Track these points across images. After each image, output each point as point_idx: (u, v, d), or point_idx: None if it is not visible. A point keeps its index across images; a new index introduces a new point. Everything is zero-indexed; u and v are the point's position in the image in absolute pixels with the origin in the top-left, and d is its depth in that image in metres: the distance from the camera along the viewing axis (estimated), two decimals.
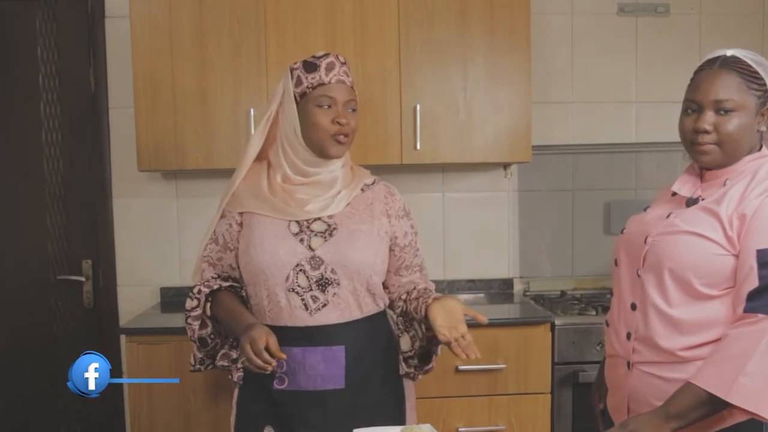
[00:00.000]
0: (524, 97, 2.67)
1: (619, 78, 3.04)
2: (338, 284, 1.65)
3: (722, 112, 1.50)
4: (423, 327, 1.76)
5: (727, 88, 1.50)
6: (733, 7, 3.05)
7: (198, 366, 1.81)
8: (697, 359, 1.46)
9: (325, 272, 1.65)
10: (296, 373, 1.64)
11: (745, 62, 1.51)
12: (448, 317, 1.61)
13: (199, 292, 1.72)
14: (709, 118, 1.51)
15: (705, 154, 1.53)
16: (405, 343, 1.80)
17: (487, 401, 2.47)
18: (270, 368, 1.51)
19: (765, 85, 1.51)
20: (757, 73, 1.50)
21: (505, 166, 3.00)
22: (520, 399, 2.48)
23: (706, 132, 1.51)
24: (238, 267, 1.74)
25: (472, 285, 3.04)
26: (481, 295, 2.98)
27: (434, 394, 2.45)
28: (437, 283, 2.98)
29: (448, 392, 2.46)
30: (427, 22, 2.62)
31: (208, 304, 1.73)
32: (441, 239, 3.03)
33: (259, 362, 1.50)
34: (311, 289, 1.64)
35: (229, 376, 1.78)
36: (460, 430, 2.45)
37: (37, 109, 2.87)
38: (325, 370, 1.64)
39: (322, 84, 1.68)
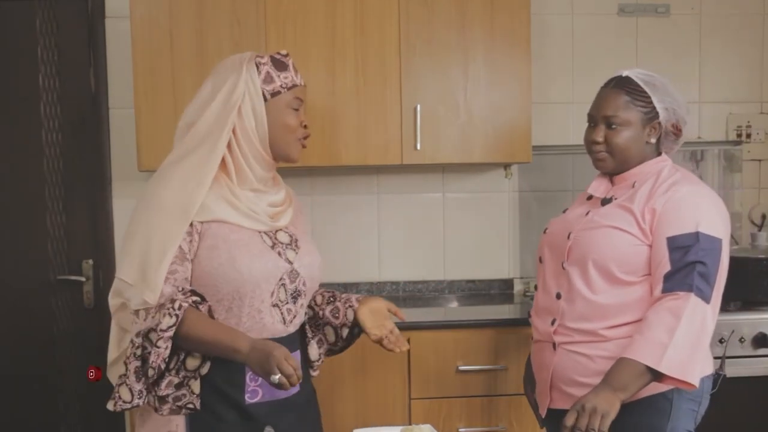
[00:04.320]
0: (524, 97, 2.67)
1: None
2: (305, 295, 1.69)
3: (612, 126, 1.75)
4: (342, 331, 1.80)
5: (615, 106, 1.74)
6: (733, 8, 3.05)
7: (137, 401, 1.53)
8: (616, 338, 1.68)
9: (299, 285, 1.66)
10: None
11: (635, 82, 1.75)
12: (376, 317, 1.78)
13: (179, 307, 1.49)
14: (600, 131, 1.77)
15: (599, 161, 1.80)
16: (313, 352, 1.80)
17: (487, 401, 2.47)
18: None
19: (652, 102, 1.74)
20: (644, 92, 1.74)
21: (506, 166, 3.00)
22: (520, 399, 2.47)
23: (598, 143, 1.77)
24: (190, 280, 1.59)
25: (472, 285, 3.04)
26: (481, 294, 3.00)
27: (434, 395, 2.45)
28: (437, 283, 3.03)
29: (448, 392, 2.46)
30: (427, 22, 2.62)
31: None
32: (441, 239, 3.03)
33: (296, 378, 1.44)
34: (288, 303, 1.65)
35: (182, 406, 1.56)
36: (460, 430, 2.46)
37: (37, 109, 2.87)
38: None
39: (295, 85, 1.66)
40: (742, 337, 2.44)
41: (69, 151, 2.90)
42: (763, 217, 3.10)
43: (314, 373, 1.84)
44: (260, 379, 1.59)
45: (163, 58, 2.56)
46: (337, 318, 1.79)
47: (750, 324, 2.46)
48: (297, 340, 1.72)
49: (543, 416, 1.88)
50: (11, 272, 2.90)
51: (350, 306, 1.78)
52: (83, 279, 2.92)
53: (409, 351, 2.41)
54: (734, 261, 2.47)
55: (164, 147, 2.56)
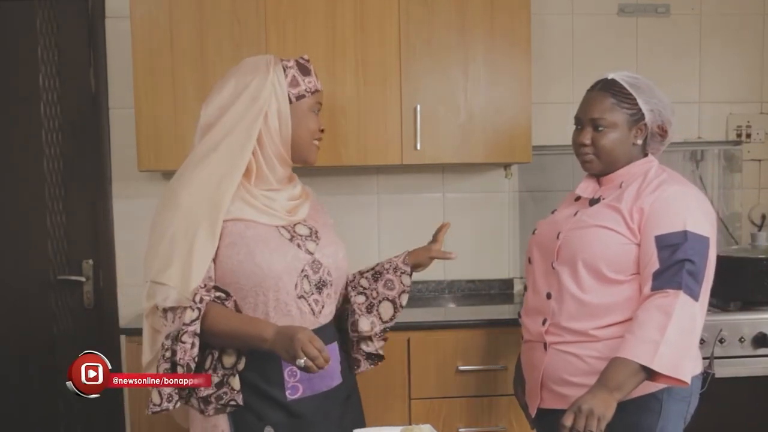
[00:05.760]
0: (524, 97, 2.67)
1: None
2: (331, 285, 1.70)
3: (599, 129, 1.77)
4: (402, 298, 1.86)
5: (601, 109, 1.77)
6: (733, 8, 3.05)
7: (166, 404, 1.52)
8: (606, 338, 1.69)
9: (323, 275, 1.67)
10: (311, 378, 1.61)
11: (621, 84, 1.77)
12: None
13: (201, 300, 1.51)
14: (587, 134, 1.79)
15: (587, 162, 1.82)
16: (364, 324, 1.80)
17: (487, 401, 2.47)
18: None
19: (637, 104, 1.76)
20: (630, 94, 1.76)
21: (506, 166, 3.00)
22: None
23: (585, 145, 1.79)
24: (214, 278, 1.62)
25: (472, 285, 3.04)
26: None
27: (434, 394, 2.45)
28: (437, 283, 3.03)
29: (448, 392, 2.46)
30: (427, 22, 2.62)
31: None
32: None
33: (322, 360, 1.44)
34: (313, 293, 1.65)
35: (226, 404, 1.56)
36: (460, 430, 2.46)
37: (37, 109, 2.87)
38: (332, 367, 1.66)
39: (317, 90, 1.71)
40: (742, 337, 2.44)
41: (69, 151, 2.90)
42: (763, 217, 3.10)
43: (360, 370, 1.85)
44: (299, 374, 1.60)
45: (163, 58, 2.56)
46: (393, 289, 1.84)
47: (750, 324, 2.45)
48: (332, 332, 1.72)
49: (533, 416, 1.88)
50: (11, 272, 2.90)
51: (403, 272, 1.84)
52: (83, 279, 2.92)
53: (408, 351, 2.43)
54: (734, 261, 2.51)
55: (164, 147, 2.59)
